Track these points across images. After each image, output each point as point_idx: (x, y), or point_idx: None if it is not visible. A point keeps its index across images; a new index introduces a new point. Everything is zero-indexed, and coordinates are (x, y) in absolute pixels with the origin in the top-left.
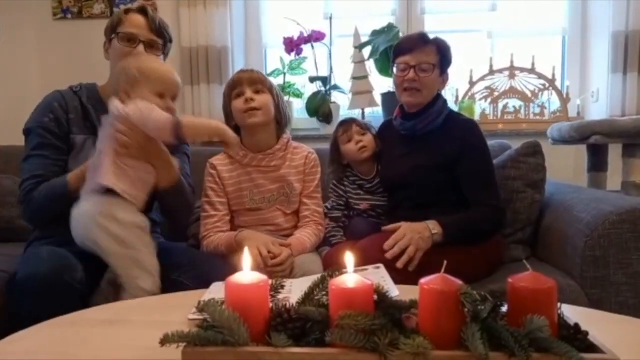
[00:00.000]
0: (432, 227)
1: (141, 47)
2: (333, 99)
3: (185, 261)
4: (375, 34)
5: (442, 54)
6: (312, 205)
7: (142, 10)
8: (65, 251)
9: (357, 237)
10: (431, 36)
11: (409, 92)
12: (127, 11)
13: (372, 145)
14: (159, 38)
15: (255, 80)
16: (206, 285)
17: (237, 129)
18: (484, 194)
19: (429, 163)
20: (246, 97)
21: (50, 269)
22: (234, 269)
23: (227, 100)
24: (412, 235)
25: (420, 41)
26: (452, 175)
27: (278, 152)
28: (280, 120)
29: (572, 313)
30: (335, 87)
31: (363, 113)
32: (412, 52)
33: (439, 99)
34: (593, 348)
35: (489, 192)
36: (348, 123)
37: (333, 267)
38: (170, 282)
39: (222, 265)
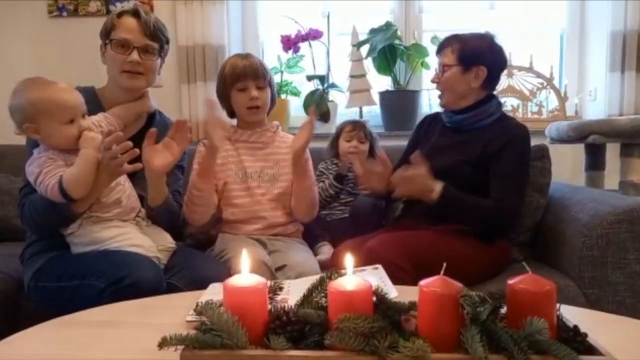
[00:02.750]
0: (436, 189)
1: (135, 54)
2: (330, 97)
3: (178, 262)
4: (373, 32)
5: (460, 51)
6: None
7: (135, 13)
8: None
9: (360, 219)
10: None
11: (439, 94)
12: (119, 15)
13: (364, 155)
14: (154, 42)
15: (258, 74)
16: (199, 287)
17: (230, 108)
18: (503, 193)
19: (469, 158)
20: (252, 96)
21: (156, 273)
22: (227, 269)
23: (227, 88)
24: (412, 188)
25: (441, 43)
26: (485, 175)
27: (266, 132)
28: (270, 104)
29: (570, 314)
30: (333, 86)
31: (361, 111)
32: (438, 55)
33: (491, 99)
34: (592, 350)
35: (507, 193)
36: (359, 126)
37: (338, 266)
38: None
39: (216, 266)
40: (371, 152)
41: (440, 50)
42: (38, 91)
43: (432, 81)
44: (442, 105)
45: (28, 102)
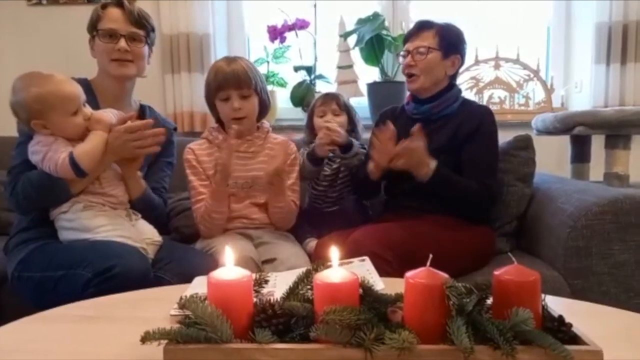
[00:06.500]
0: (431, 165)
1: (122, 42)
2: (318, 88)
3: (164, 256)
4: (361, 22)
5: (441, 36)
6: (292, 196)
7: (119, 3)
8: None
9: (350, 222)
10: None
11: (409, 79)
12: (104, 6)
13: (342, 129)
14: (140, 29)
15: (241, 83)
16: (187, 280)
17: (217, 114)
18: (480, 174)
19: (440, 145)
20: (233, 107)
21: (144, 263)
22: (215, 262)
23: (212, 96)
24: (412, 160)
25: (417, 27)
26: (456, 158)
27: (257, 140)
28: (261, 111)
29: (555, 304)
30: (320, 77)
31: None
32: (410, 39)
33: (454, 85)
34: (576, 339)
35: (486, 174)
36: (329, 98)
37: (323, 257)
38: None
39: (202, 259)
40: (351, 124)
41: (418, 33)
42: (40, 87)
43: (408, 64)
44: (413, 89)
45: (32, 99)
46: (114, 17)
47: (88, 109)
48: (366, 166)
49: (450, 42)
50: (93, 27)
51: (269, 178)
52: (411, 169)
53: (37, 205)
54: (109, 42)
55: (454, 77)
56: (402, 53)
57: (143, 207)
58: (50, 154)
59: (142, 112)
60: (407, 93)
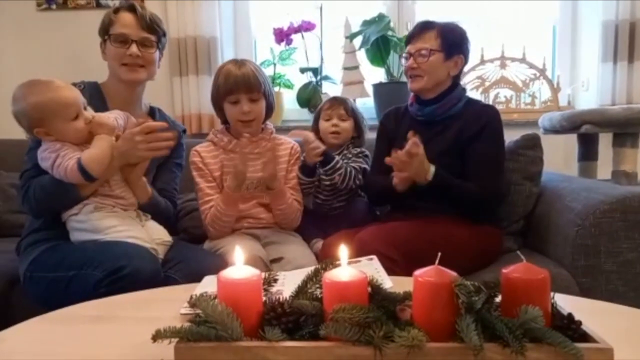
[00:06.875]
0: (431, 171)
1: (134, 47)
2: (324, 89)
3: (174, 256)
4: (366, 23)
5: (443, 37)
6: (295, 195)
7: (132, 8)
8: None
9: (357, 222)
10: (440, 21)
11: (411, 79)
12: (116, 10)
13: (347, 134)
14: (152, 34)
15: (251, 87)
16: (196, 279)
17: (224, 116)
18: (484, 176)
19: (446, 147)
20: (243, 111)
21: (154, 263)
22: (224, 262)
23: (220, 98)
24: (411, 170)
25: (418, 29)
26: (461, 160)
27: (261, 141)
28: (267, 113)
29: (565, 302)
30: (326, 78)
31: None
32: (412, 41)
33: (457, 85)
34: (586, 337)
35: (490, 176)
36: (337, 102)
37: (330, 256)
38: None
39: (211, 259)
40: (357, 130)
41: (419, 34)
42: (38, 95)
43: (411, 66)
44: (415, 89)
45: (31, 107)
46: (126, 22)
47: (89, 112)
48: (380, 175)
49: (452, 42)
50: (105, 31)
51: (266, 182)
52: (412, 177)
53: (49, 209)
54: (120, 47)
55: (457, 76)
56: (404, 55)
57: (149, 212)
58: (59, 161)
59: (152, 114)
60: (412, 94)
